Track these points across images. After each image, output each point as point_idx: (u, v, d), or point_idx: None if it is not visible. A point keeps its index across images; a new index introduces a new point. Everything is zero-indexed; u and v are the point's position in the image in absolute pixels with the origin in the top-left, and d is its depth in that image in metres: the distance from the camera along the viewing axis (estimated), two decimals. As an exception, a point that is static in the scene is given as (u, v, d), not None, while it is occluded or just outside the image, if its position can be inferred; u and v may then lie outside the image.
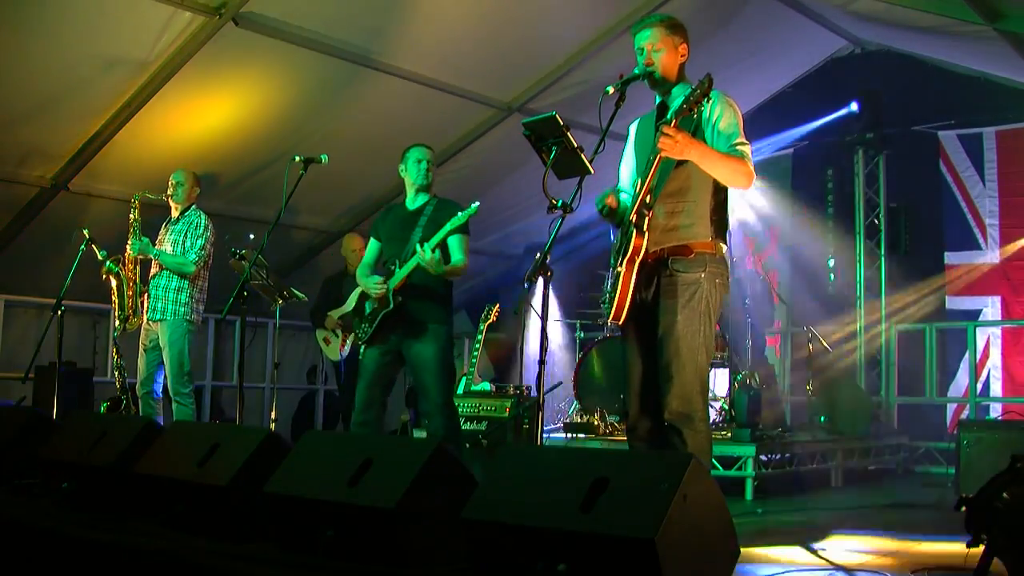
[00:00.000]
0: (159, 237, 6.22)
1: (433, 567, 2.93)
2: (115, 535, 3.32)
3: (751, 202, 9.65)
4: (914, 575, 3.37)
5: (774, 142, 9.49)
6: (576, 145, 3.57)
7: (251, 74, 6.73)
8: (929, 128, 8.77)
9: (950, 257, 8.69)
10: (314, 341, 7.87)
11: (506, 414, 6.63)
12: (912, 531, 4.64)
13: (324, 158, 5.07)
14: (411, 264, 4.78)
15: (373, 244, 5.15)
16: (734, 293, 7.69)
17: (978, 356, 8.30)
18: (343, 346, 7.36)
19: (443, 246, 4.80)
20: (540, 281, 3.42)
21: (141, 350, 6.10)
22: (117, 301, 6.31)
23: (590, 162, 3.57)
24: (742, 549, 2.69)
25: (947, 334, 8.58)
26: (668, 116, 3.52)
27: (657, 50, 3.64)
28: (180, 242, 6.08)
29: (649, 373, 3.61)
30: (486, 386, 7.35)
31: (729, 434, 6.63)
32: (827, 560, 3.79)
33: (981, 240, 8.52)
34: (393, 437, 4.59)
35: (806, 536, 4.38)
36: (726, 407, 7.45)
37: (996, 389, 8.29)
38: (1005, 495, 2.81)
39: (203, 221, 6.14)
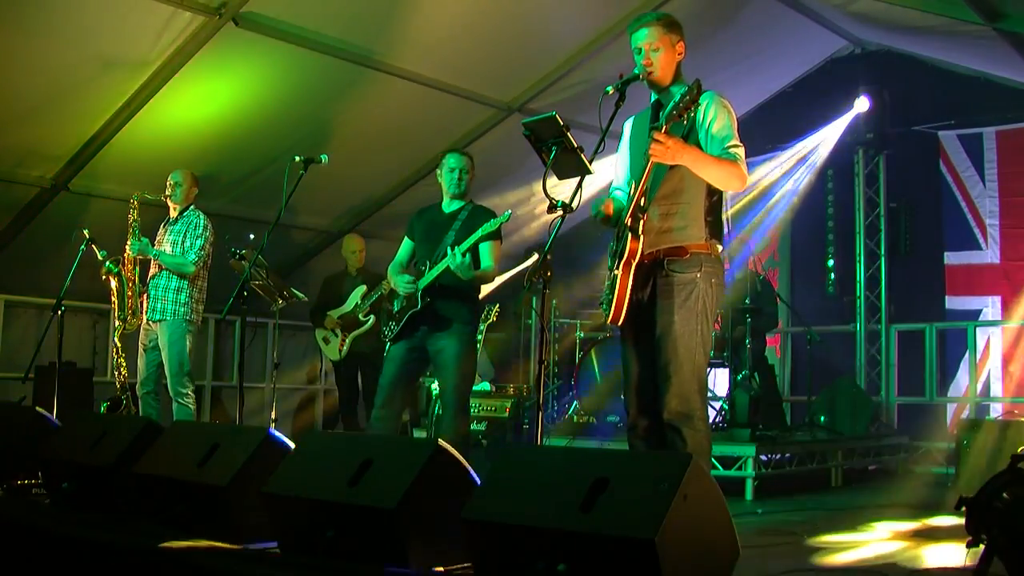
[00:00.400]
0: (158, 238, 6.22)
1: (433, 567, 2.93)
2: (115, 535, 3.32)
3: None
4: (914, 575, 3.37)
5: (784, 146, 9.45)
6: (576, 145, 3.56)
7: (251, 74, 6.72)
8: (929, 128, 8.76)
9: (950, 257, 8.68)
10: (314, 341, 7.87)
11: (506, 414, 6.63)
12: (912, 531, 4.65)
13: (324, 158, 5.07)
14: (441, 266, 4.80)
15: (407, 243, 5.16)
16: (735, 293, 7.68)
17: (978, 356, 8.29)
18: (342, 346, 7.37)
19: (474, 251, 4.83)
20: (540, 281, 3.41)
21: (141, 350, 6.10)
22: (117, 301, 6.32)
23: (590, 162, 3.57)
24: (742, 549, 2.69)
25: (947, 334, 8.57)
26: (659, 121, 3.51)
27: (655, 49, 3.63)
28: (179, 242, 6.08)
29: (647, 373, 3.62)
30: (486, 386, 7.36)
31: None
32: (827, 560, 3.79)
33: (981, 240, 8.51)
34: (393, 437, 4.59)
35: (806, 536, 4.38)
36: (726, 407, 7.44)
37: (996, 389, 8.28)
38: (1005, 495, 2.82)
39: (202, 221, 6.14)
